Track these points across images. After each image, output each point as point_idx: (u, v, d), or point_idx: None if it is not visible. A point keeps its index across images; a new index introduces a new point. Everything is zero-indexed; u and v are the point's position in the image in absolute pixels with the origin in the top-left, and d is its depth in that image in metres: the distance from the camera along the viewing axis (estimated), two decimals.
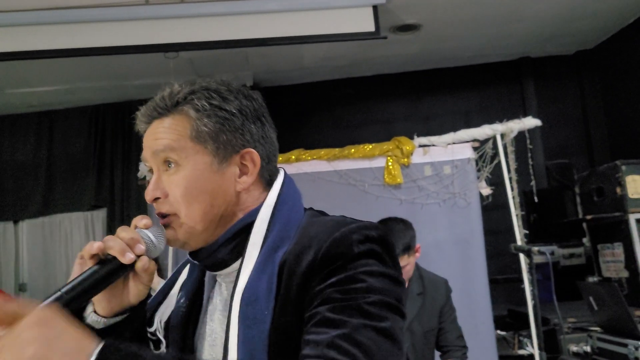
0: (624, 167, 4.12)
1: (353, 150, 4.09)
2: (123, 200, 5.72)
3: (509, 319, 4.66)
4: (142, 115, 1.08)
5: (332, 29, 4.29)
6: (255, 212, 1.06)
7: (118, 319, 1.05)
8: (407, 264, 2.75)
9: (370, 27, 4.31)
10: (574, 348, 3.57)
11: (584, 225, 4.82)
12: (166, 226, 1.05)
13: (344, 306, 0.91)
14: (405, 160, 4.04)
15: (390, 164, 4.06)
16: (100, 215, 5.88)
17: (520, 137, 4.13)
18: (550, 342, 3.69)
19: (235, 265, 1.05)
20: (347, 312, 0.91)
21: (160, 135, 1.04)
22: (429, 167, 4.07)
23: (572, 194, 4.96)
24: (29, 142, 5.99)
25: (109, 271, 0.99)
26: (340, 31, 4.31)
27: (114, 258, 0.98)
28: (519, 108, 5.94)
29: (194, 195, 1.02)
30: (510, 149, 4.00)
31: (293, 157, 4.11)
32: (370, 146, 4.09)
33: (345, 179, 4.06)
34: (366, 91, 6.22)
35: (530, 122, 4.00)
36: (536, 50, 5.98)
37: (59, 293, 0.94)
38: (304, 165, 4.09)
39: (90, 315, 1.05)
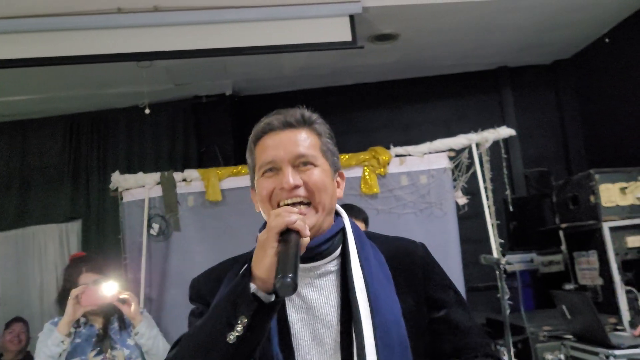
0: (597, 176, 4.14)
1: None
2: (99, 211, 5.62)
3: (487, 328, 4.66)
4: (278, 122, 1.33)
5: (309, 39, 4.29)
6: (340, 221, 1.38)
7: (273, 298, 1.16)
8: None
9: (347, 36, 4.32)
10: (548, 356, 3.58)
11: (560, 233, 4.83)
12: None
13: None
14: (382, 170, 4.04)
15: (366, 173, 4.05)
16: (75, 227, 5.76)
17: (497, 146, 4.14)
18: (526, 351, 3.70)
19: (331, 257, 1.32)
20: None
21: (301, 143, 1.31)
22: (405, 176, 4.06)
23: (550, 202, 4.98)
24: (1, 152, 5.87)
25: (297, 244, 1.14)
26: (317, 40, 4.31)
27: (295, 232, 1.15)
28: (498, 117, 5.97)
29: (324, 187, 1.30)
30: (485, 158, 4.01)
31: None
32: (347, 156, 4.08)
33: None
34: (346, 100, 6.21)
35: (505, 131, 4.02)
36: (514, 59, 6.01)
37: (290, 280, 1.05)
38: None
39: (259, 292, 1.15)
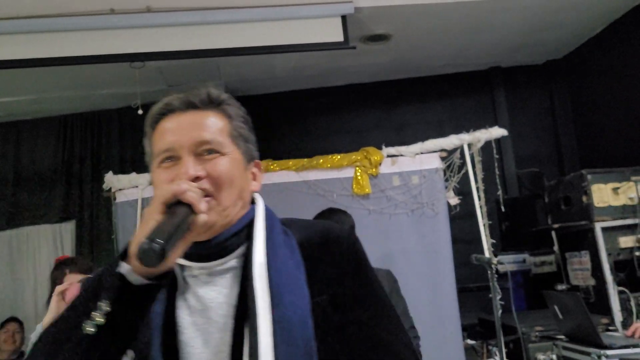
0: (589, 177, 4.16)
1: (322, 160, 4.08)
2: (92, 211, 5.64)
3: (479, 328, 4.67)
4: (179, 102, 1.15)
5: (301, 39, 4.30)
6: (252, 210, 1.18)
7: (150, 282, 1.00)
8: None
9: (339, 37, 4.32)
10: (540, 357, 3.59)
11: (553, 233, 4.85)
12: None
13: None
14: (374, 170, 4.04)
15: (358, 174, 4.05)
16: (68, 228, 5.77)
17: (489, 146, 4.15)
18: (518, 351, 3.71)
19: (236, 253, 1.13)
20: None
21: (206, 128, 1.13)
22: (397, 177, 4.07)
23: (542, 203, 4.99)
24: None
25: (185, 218, 0.99)
26: (309, 41, 4.32)
27: (186, 206, 1.00)
28: (490, 117, 5.98)
29: (230, 181, 1.12)
30: (477, 158, 4.02)
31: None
32: (339, 156, 4.09)
33: (313, 189, 4.05)
34: (338, 101, 6.22)
35: (497, 131, 4.03)
36: (506, 59, 6.03)
37: (157, 246, 0.90)
38: (273, 176, 4.07)
39: (129, 273, 0.99)
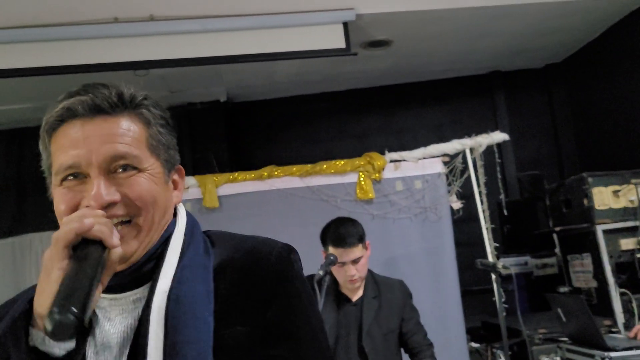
0: (590, 179, 4.18)
1: (325, 166, 4.12)
2: None
3: (483, 331, 4.70)
4: (83, 106, 0.93)
5: (303, 46, 4.33)
6: (173, 224, 1.02)
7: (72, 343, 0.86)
8: (361, 255, 2.80)
9: (340, 43, 4.35)
10: (544, 359, 3.62)
11: (554, 236, 4.88)
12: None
13: None
14: (377, 175, 4.08)
15: (362, 179, 4.09)
16: None
17: (490, 150, 4.18)
18: (522, 354, 3.73)
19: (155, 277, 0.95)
20: None
21: (118, 139, 0.93)
22: (400, 182, 4.10)
23: (543, 206, 5.03)
24: None
25: (99, 260, 0.82)
26: (311, 48, 4.35)
27: (95, 244, 0.84)
28: (491, 121, 6.02)
29: (152, 200, 0.95)
30: (479, 162, 4.05)
31: (265, 173, 4.12)
32: (342, 162, 4.12)
33: (317, 194, 4.08)
34: (339, 106, 6.25)
35: (499, 136, 4.06)
36: (506, 64, 6.06)
37: (71, 317, 0.74)
38: (276, 182, 4.10)
39: (42, 343, 0.85)
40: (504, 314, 3.23)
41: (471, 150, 4.06)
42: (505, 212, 4.49)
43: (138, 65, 4.15)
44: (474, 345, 4.30)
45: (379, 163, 4.07)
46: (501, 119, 6.06)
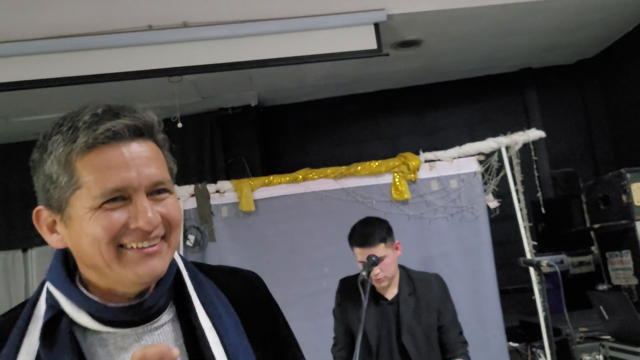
0: (628, 175, 4.13)
1: (360, 167, 4.12)
2: None
3: (521, 330, 4.66)
4: (127, 129, 0.95)
5: (334, 48, 4.33)
6: (174, 259, 1.08)
7: None
8: (385, 255, 2.78)
9: (372, 44, 4.35)
10: (587, 358, 3.58)
11: (592, 233, 4.82)
12: (152, 255, 0.96)
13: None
14: (412, 176, 4.07)
15: (397, 180, 4.08)
16: None
17: (525, 148, 4.15)
18: (563, 353, 3.70)
19: (169, 308, 1.04)
20: None
21: (153, 163, 0.97)
22: (435, 182, 4.09)
23: (578, 203, 4.97)
24: (27, 170, 5.98)
25: None
26: (342, 50, 4.35)
27: None
28: (522, 119, 5.97)
29: (180, 220, 1.01)
30: (515, 161, 4.02)
31: (300, 176, 4.14)
32: (377, 163, 4.12)
33: (352, 196, 4.09)
34: (370, 107, 6.26)
35: (534, 133, 4.03)
36: (537, 60, 6.02)
37: None
38: (311, 184, 4.12)
39: None
40: (544, 314, 3.20)
41: (507, 148, 4.03)
42: (544, 211, 4.45)
43: (172, 71, 4.20)
44: (513, 344, 4.27)
45: (413, 163, 4.06)
46: (533, 117, 6.01)
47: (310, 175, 4.13)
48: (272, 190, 4.13)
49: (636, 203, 4.12)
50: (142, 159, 0.94)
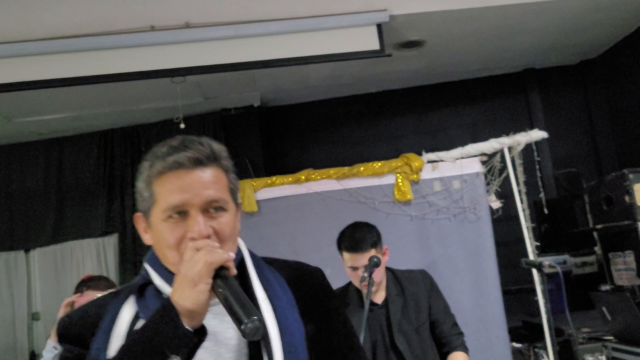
0: (631, 176, 4.12)
1: (362, 168, 4.12)
2: (134, 225, 5.73)
3: (524, 331, 4.65)
4: (187, 160, 1.19)
5: (337, 49, 4.33)
6: (239, 250, 1.30)
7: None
8: None
9: (374, 45, 4.35)
10: (589, 358, 3.58)
11: (595, 234, 4.81)
12: None
13: None
14: (415, 176, 4.06)
15: (399, 180, 4.07)
16: (111, 241, 5.89)
17: (528, 148, 4.15)
18: (566, 353, 3.69)
19: None
20: None
21: (211, 186, 1.20)
22: (438, 182, 4.08)
23: (581, 203, 4.96)
24: (39, 169, 6.02)
25: (233, 280, 1.13)
26: (345, 50, 4.34)
27: (225, 270, 1.12)
28: (525, 119, 5.97)
29: (233, 234, 1.23)
30: (518, 161, 4.02)
31: (302, 177, 4.14)
32: (379, 164, 4.11)
33: (355, 197, 4.09)
34: (373, 108, 6.26)
35: (537, 134, 4.02)
36: (540, 61, 6.01)
37: (257, 322, 1.05)
38: (314, 185, 4.11)
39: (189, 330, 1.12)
40: (547, 315, 3.19)
41: (509, 149, 4.02)
42: (547, 211, 4.44)
43: (174, 72, 4.20)
44: (516, 345, 4.26)
45: (416, 164, 4.05)
46: (536, 117, 6.01)
47: (313, 176, 4.13)
48: (275, 191, 4.13)
49: (639, 204, 4.11)
50: (200, 182, 1.19)
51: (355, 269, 2.75)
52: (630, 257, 4.26)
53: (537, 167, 4.21)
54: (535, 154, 4.18)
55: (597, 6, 4.76)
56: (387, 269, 2.95)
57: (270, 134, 6.17)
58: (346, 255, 2.80)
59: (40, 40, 4.05)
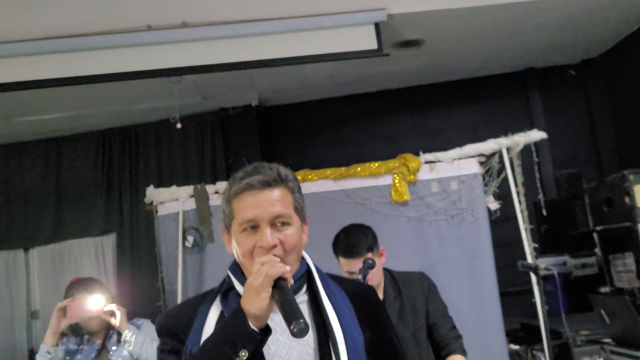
0: (632, 177, 4.09)
1: (359, 168, 4.09)
2: (132, 224, 5.73)
3: (522, 333, 4.62)
4: (258, 183, 1.43)
5: (335, 48, 4.30)
6: (304, 261, 1.54)
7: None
8: None
9: (372, 44, 4.32)
10: None
11: (595, 235, 4.78)
12: None
13: None
14: (412, 177, 4.03)
15: (397, 181, 4.05)
16: (109, 240, 5.88)
17: (527, 149, 4.12)
18: (564, 356, 3.67)
19: (300, 293, 1.48)
20: None
21: (277, 203, 1.43)
22: (435, 183, 4.05)
23: (582, 204, 4.93)
24: (37, 169, 6.01)
25: (289, 289, 1.33)
26: (343, 50, 4.32)
27: (283, 280, 1.32)
28: (526, 119, 5.93)
29: (297, 246, 1.46)
30: (516, 162, 3.99)
31: (299, 177, 4.09)
32: (377, 164, 4.09)
33: (352, 197, 4.06)
34: (371, 107, 6.22)
35: (536, 134, 3.99)
36: (541, 61, 5.98)
37: (303, 323, 1.23)
38: (311, 186, 4.08)
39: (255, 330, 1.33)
40: (545, 315, 3.16)
41: (508, 149, 3.99)
42: (545, 212, 4.41)
43: (171, 72, 4.18)
44: (514, 347, 4.24)
45: (413, 164, 4.02)
46: (536, 117, 5.97)
47: (310, 177, 4.10)
48: None
49: (639, 205, 4.08)
50: (269, 201, 1.43)
51: (352, 273, 2.73)
52: (630, 259, 4.23)
53: (536, 167, 4.17)
54: (535, 154, 4.15)
55: (597, 5, 4.73)
56: (385, 270, 2.93)
57: (269, 133, 6.15)
58: (342, 260, 2.78)
59: (37, 40, 4.04)
